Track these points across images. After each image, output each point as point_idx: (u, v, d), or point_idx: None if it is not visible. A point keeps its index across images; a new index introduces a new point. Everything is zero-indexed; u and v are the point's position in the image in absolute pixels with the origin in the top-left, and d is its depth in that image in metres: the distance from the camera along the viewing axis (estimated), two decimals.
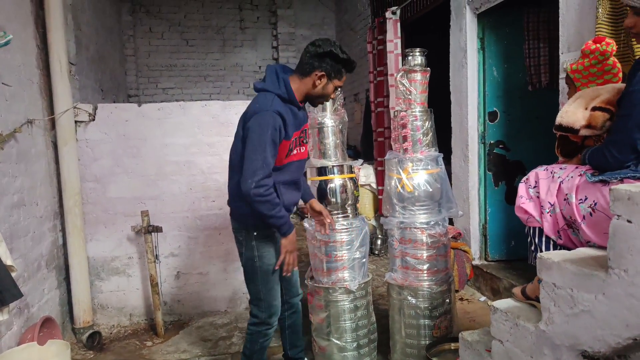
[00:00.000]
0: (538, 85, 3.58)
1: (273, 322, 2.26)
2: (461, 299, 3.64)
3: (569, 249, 1.54)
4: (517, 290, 1.69)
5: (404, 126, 2.52)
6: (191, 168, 3.49)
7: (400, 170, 2.50)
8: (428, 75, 2.53)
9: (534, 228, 1.74)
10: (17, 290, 1.93)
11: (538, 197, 1.70)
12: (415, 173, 2.48)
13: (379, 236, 5.12)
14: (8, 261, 1.95)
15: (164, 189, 3.47)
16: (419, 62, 2.50)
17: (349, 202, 2.60)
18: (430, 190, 2.47)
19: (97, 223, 3.37)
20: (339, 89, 2.25)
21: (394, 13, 4.70)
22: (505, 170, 3.69)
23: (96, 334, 3.13)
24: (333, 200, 2.55)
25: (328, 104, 2.60)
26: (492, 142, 3.66)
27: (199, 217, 3.53)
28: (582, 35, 2.52)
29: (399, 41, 4.68)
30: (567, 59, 2.66)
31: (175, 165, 3.47)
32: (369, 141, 5.66)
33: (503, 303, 1.63)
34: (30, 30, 2.96)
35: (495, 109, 3.64)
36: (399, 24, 4.68)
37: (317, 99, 2.19)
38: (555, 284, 1.30)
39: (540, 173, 1.75)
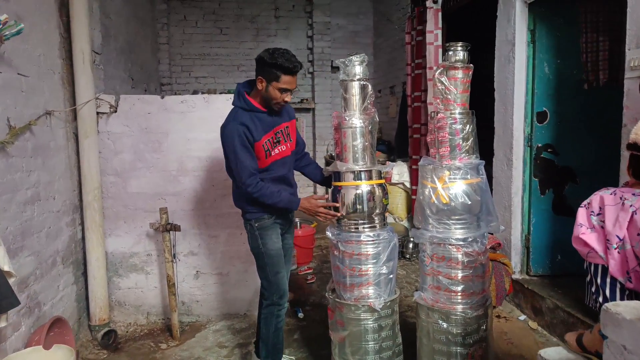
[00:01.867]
0: (595, 83, 3.20)
1: (283, 302, 2.47)
2: (498, 317, 3.35)
3: None
4: (571, 338, 1.41)
5: (441, 129, 2.25)
6: (214, 164, 3.33)
7: (436, 179, 2.24)
8: (470, 73, 2.25)
9: (596, 265, 1.45)
10: (14, 298, 1.83)
11: (603, 227, 1.41)
12: (453, 183, 2.21)
13: (411, 239, 4.85)
14: (5, 267, 1.84)
15: (186, 185, 3.34)
16: (461, 57, 2.22)
17: (377, 211, 2.36)
18: (469, 202, 2.19)
19: (117, 218, 3.28)
20: (289, 92, 2.32)
21: (435, 2, 4.38)
22: (554, 176, 3.34)
23: (112, 332, 3.05)
24: (359, 207, 2.32)
25: (357, 102, 2.36)
26: (539, 145, 3.32)
27: (221, 215, 3.38)
28: None
29: (439, 32, 4.37)
30: (635, 56, 2.32)
31: (198, 161, 3.34)
32: (404, 137, 5.37)
33: (554, 353, 1.36)
34: (54, 19, 2.86)
35: (544, 108, 3.29)
36: (440, 14, 4.36)
37: (269, 103, 2.32)
38: (626, 347, 1.04)
39: (606, 197, 1.45)
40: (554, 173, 3.33)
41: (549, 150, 3.32)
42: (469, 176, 2.22)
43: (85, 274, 3.16)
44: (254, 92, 2.34)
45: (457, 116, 2.22)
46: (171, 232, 3.13)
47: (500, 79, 3.42)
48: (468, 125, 2.24)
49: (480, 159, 2.28)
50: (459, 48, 2.22)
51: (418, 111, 4.84)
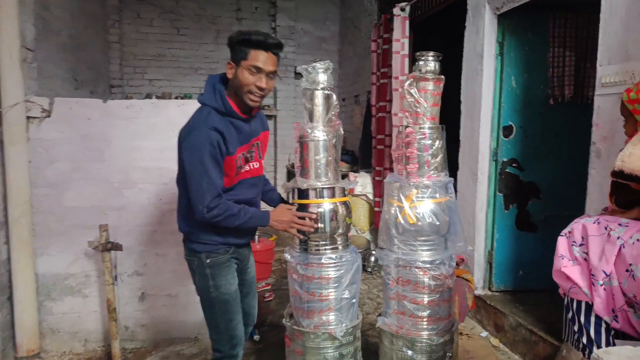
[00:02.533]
0: (560, 98, 3.17)
1: (237, 352, 2.09)
2: (460, 334, 3.24)
3: (630, 337, 1.12)
4: None
5: (409, 144, 2.09)
6: (162, 176, 3.05)
7: (402, 198, 2.08)
8: (442, 85, 2.11)
9: (579, 302, 1.31)
10: None
11: (586, 260, 1.28)
12: (420, 202, 2.06)
13: (373, 252, 4.70)
14: None
15: (131, 199, 3.04)
16: (432, 68, 2.08)
17: (340, 230, 2.17)
18: (437, 223, 2.05)
19: (50, 235, 2.93)
20: (264, 75, 1.85)
21: (402, 10, 4.28)
22: (518, 192, 3.28)
23: None
24: (321, 228, 2.12)
25: (320, 113, 2.17)
26: (504, 160, 3.25)
27: (170, 231, 3.09)
28: (627, 47, 2.11)
29: (406, 41, 4.27)
30: (606, 72, 2.25)
31: (145, 172, 3.04)
32: (368, 147, 5.25)
33: None
34: None
35: (510, 123, 3.22)
36: (407, 22, 4.26)
37: (242, 93, 1.87)
38: None
39: (589, 226, 1.32)
40: (518, 188, 3.27)
41: (513, 165, 3.25)
42: (437, 195, 2.07)
43: (11, 298, 2.80)
44: (229, 91, 1.91)
45: (427, 131, 2.08)
46: (112, 251, 2.82)
47: (468, 91, 3.33)
48: (438, 141, 2.09)
49: (449, 177, 2.14)
50: (430, 58, 2.08)
51: (382, 122, 4.71)
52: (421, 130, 2.08)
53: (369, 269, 4.64)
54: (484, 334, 3.27)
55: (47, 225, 2.91)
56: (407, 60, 4.28)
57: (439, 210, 2.06)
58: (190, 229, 1.98)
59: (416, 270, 2.05)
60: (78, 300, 3.04)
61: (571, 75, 3.12)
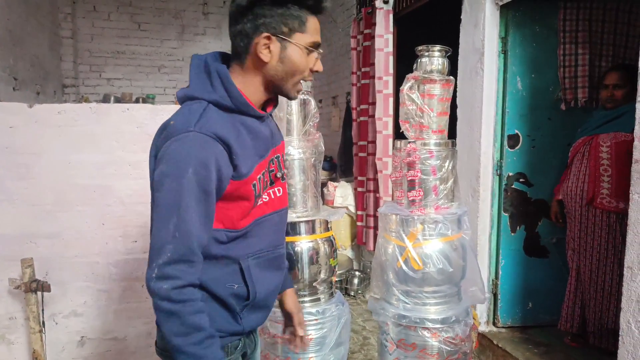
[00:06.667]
0: (573, 102, 2.77)
1: None
2: None
3: None
4: None
5: (411, 166, 1.62)
6: (105, 196, 2.51)
7: (404, 236, 1.61)
8: (452, 88, 1.65)
9: None
10: None
11: None
12: (427, 241, 1.60)
13: (356, 273, 4.25)
14: None
15: (66, 224, 2.49)
16: (440, 66, 1.62)
17: (322, 276, 1.70)
18: (450, 269, 1.58)
19: None
20: (317, 53, 1.14)
21: (385, 2, 3.82)
22: (526, 211, 2.86)
23: None
24: (297, 273, 1.64)
25: (295, 124, 1.69)
26: (510, 174, 2.82)
27: (115, 262, 2.56)
28: None
29: (390, 37, 3.82)
30: None
31: (83, 192, 2.49)
32: (349, 154, 4.79)
33: None
34: None
35: (516, 131, 2.80)
36: (391, 16, 3.81)
37: (289, 84, 1.14)
38: None
39: None
40: (526, 207, 2.85)
41: (521, 180, 2.83)
42: (450, 231, 1.61)
43: None
44: (238, 76, 1.13)
45: (434, 148, 1.61)
46: (39, 292, 2.28)
47: (465, 94, 2.89)
48: (448, 161, 1.63)
49: (464, 207, 1.68)
50: (437, 53, 1.61)
51: (365, 126, 4.25)
52: (426, 147, 1.61)
53: (352, 292, 4.18)
54: None
55: None
56: (391, 58, 3.84)
57: (451, 252, 1.60)
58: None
59: (423, 331, 1.57)
60: (1, 348, 2.48)
61: (585, 75, 2.72)
